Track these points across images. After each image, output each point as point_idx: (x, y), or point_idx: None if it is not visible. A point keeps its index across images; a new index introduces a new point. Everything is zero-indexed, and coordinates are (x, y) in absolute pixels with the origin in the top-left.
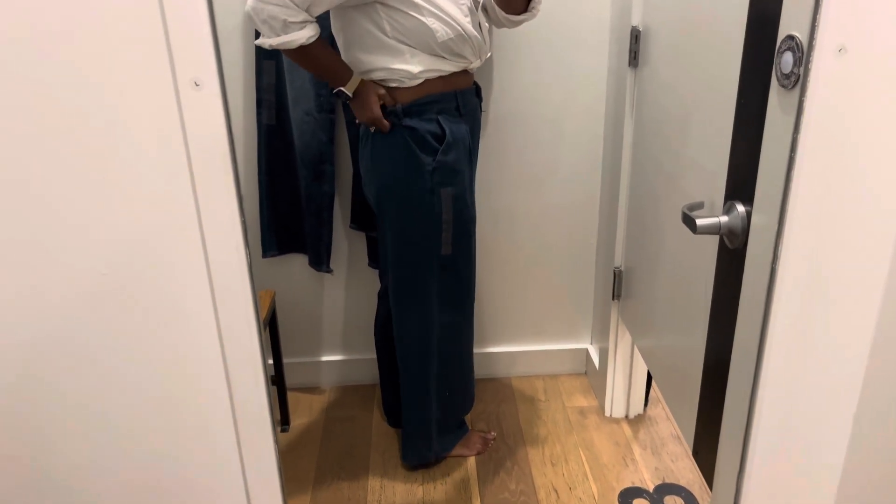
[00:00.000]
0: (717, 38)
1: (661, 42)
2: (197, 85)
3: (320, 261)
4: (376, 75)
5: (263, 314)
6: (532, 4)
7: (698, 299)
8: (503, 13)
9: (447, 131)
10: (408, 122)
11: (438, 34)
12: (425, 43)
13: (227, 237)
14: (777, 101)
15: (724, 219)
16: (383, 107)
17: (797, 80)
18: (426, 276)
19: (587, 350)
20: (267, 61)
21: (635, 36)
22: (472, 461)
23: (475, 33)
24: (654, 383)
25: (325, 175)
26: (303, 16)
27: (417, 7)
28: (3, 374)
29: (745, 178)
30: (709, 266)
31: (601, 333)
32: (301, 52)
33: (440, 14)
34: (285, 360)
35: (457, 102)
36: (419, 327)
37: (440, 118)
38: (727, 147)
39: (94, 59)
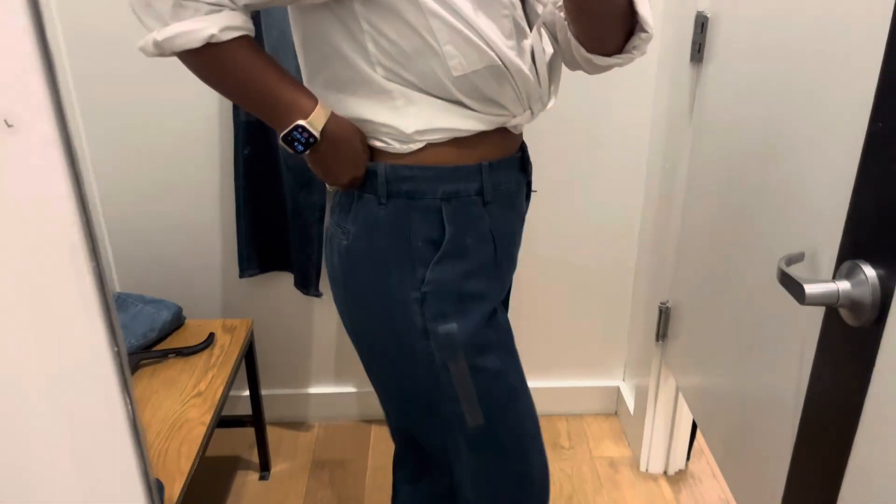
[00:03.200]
0: (836, 29)
1: (738, 32)
2: (9, 125)
3: (308, 282)
4: None
5: (238, 348)
6: (633, 43)
7: (787, 361)
8: (584, 51)
9: (447, 233)
10: (392, 204)
11: (453, 62)
12: (430, 77)
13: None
14: None
15: (843, 285)
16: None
17: None
18: (446, 459)
19: (618, 388)
20: None
21: (701, 24)
22: None
23: (520, 65)
24: (698, 434)
25: (313, 183)
26: None
27: (417, 4)
28: None
29: (877, 230)
30: (807, 330)
31: (637, 370)
32: (215, 59)
33: (454, 21)
34: (267, 392)
35: (480, 184)
36: None
37: (444, 207)
38: (848, 184)
39: None
